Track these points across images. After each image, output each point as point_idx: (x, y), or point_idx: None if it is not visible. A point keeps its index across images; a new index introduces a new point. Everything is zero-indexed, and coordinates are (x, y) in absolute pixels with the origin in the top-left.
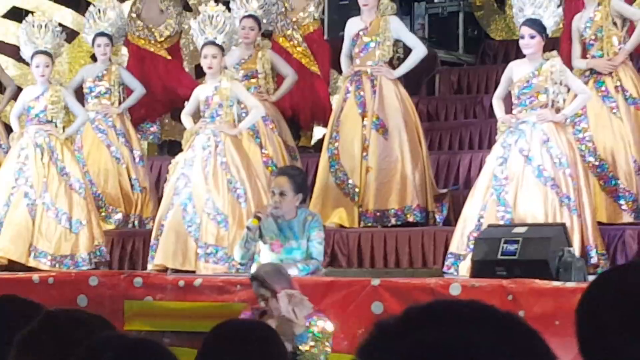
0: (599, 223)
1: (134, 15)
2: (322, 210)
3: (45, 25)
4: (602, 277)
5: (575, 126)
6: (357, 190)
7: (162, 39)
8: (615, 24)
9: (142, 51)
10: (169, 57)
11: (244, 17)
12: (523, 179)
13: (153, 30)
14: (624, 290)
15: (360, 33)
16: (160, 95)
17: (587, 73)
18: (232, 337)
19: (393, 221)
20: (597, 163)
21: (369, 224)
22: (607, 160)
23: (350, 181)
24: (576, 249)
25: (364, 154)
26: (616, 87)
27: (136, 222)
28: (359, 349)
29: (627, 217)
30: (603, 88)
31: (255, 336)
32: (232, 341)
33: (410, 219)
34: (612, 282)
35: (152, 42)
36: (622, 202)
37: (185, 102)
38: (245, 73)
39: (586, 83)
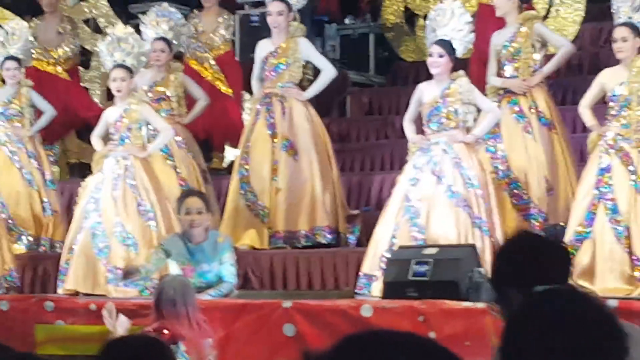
0: None
1: (31, 37)
2: (233, 232)
3: None
4: (525, 305)
5: (488, 143)
6: (266, 211)
7: (61, 60)
8: (533, 46)
9: (39, 72)
10: (68, 79)
11: (155, 39)
12: (435, 200)
13: (50, 51)
14: (547, 317)
15: (270, 55)
16: (60, 116)
17: (501, 92)
18: (123, 353)
19: (303, 242)
20: (509, 181)
21: (279, 245)
22: (520, 178)
23: (260, 202)
24: (488, 269)
25: (274, 175)
26: (530, 107)
27: (47, 246)
28: None
29: None
30: (517, 107)
31: (147, 352)
32: (122, 357)
33: (321, 239)
34: (532, 312)
35: (49, 63)
36: (533, 220)
37: (91, 124)
38: (158, 96)
39: (499, 102)
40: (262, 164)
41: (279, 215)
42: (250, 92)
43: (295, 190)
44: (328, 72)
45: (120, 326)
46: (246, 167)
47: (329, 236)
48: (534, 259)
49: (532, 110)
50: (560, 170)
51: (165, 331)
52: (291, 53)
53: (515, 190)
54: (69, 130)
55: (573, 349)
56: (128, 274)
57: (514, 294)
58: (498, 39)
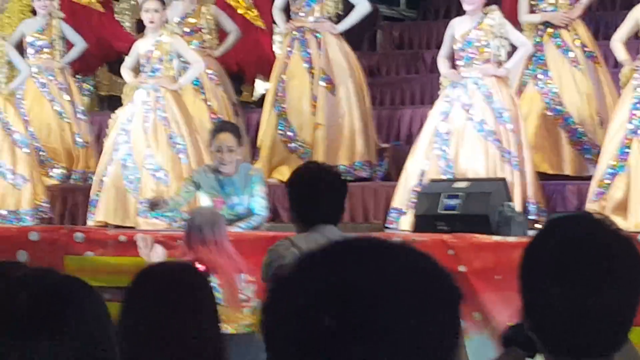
0: (566, 176)
1: None
2: (268, 166)
3: None
4: (542, 231)
5: (538, 80)
6: (306, 146)
7: None
8: None
9: (74, 4)
10: (102, 10)
11: None
12: (465, 134)
13: None
14: (562, 242)
15: None
16: (94, 48)
17: (541, 27)
18: (157, 281)
19: (343, 177)
20: (563, 116)
21: None
22: (572, 113)
23: (299, 138)
24: (517, 204)
25: (313, 110)
26: (574, 40)
27: (79, 178)
28: (265, 296)
29: (593, 170)
30: (560, 41)
31: (181, 280)
32: (156, 286)
33: (361, 174)
34: (552, 235)
35: None
36: (587, 155)
37: (124, 56)
38: (189, 28)
39: (541, 37)
40: (301, 99)
41: (319, 150)
42: None
43: (334, 125)
44: (363, 7)
45: (156, 256)
46: (283, 101)
47: (368, 170)
48: (309, 197)
49: (577, 43)
50: (608, 102)
51: (198, 265)
52: None
53: (569, 126)
54: (104, 62)
55: (591, 272)
56: (154, 205)
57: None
58: None
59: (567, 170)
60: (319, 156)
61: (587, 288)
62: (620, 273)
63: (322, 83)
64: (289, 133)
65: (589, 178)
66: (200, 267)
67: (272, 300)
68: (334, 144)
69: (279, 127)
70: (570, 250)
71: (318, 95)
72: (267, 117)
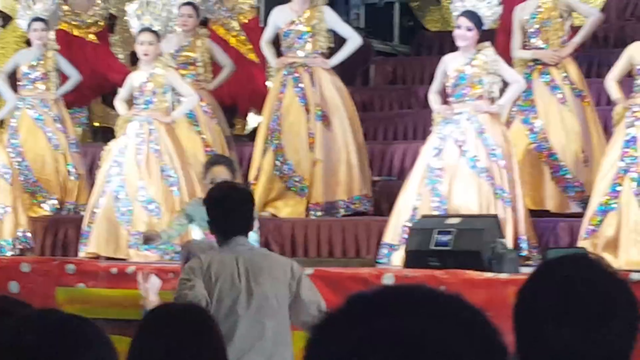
0: (547, 212)
1: (60, 0)
2: (265, 202)
3: None
4: (539, 270)
5: (525, 116)
6: (304, 183)
7: (91, 23)
8: (561, 16)
9: (69, 36)
10: (97, 42)
11: (183, 4)
12: (458, 170)
13: (80, 15)
14: (559, 282)
15: (293, 24)
16: (89, 80)
17: (531, 63)
18: (169, 321)
19: (342, 212)
20: (547, 153)
21: (320, 217)
22: (557, 150)
23: (296, 174)
24: (509, 241)
25: (310, 146)
26: (563, 78)
27: (71, 209)
28: (307, 343)
29: (575, 208)
30: (549, 78)
31: (192, 320)
32: (168, 325)
33: (360, 208)
34: (549, 275)
35: (80, 27)
36: (570, 192)
37: (118, 88)
38: (184, 61)
39: (530, 73)
40: (298, 135)
41: (317, 186)
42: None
43: (331, 160)
44: (354, 41)
45: (152, 287)
46: (279, 138)
47: (367, 204)
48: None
49: (566, 81)
50: (594, 141)
51: None
52: (317, 22)
53: (553, 162)
54: (98, 94)
55: (588, 314)
56: (148, 239)
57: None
58: (522, 12)
59: (549, 206)
60: (318, 191)
61: (583, 330)
62: (616, 315)
63: (318, 119)
64: (285, 169)
65: (581, 215)
66: None
67: (316, 345)
68: (332, 179)
69: (276, 164)
70: (567, 292)
71: (315, 131)
72: (262, 152)
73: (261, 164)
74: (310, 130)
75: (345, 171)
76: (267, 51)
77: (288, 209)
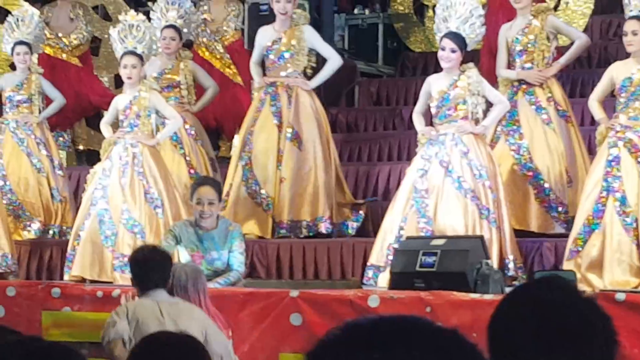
0: (531, 233)
1: (42, 23)
2: (234, 220)
3: None
4: (514, 293)
5: (509, 136)
6: (269, 200)
7: (73, 46)
8: (548, 38)
9: (52, 59)
10: (80, 65)
11: (165, 27)
12: (443, 191)
13: (63, 38)
14: (534, 306)
15: (275, 43)
16: (72, 103)
17: (516, 83)
18: (161, 349)
19: (305, 232)
20: (532, 173)
21: (283, 235)
22: (542, 170)
23: (263, 191)
24: (494, 261)
25: (278, 164)
26: (548, 98)
27: (56, 232)
28: None
29: (559, 228)
30: (534, 99)
31: (184, 348)
32: (160, 354)
33: (322, 229)
34: (524, 298)
35: (63, 50)
36: (553, 213)
37: (103, 112)
38: (167, 83)
39: (515, 93)
40: (267, 152)
41: (283, 204)
42: None
43: (299, 180)
44: (334, 61)
45: None
46: (249, 154)
47: (329, 226)
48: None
49: (550, 102)
50: (578, 161)
51: None
52: (296, 41)
53: (537, 183)
54: (81, 117)
55: (557, 333)
56: None
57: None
58: (508, 32)
59: (533, 226)
60: (283, 210)
61: (568, 354)
62: (595, 335)
63: (289, 138)
64: (253, 186)
65: (566, 235)
66: None
67: None
68: (298, 199)
69: (243, 179)
70: (541, 316)
71: (284, 149)
72: (234, 169)
73: (232, 180)
74: (280, 148)
75: (311, 192)
76: (254, 71)
77: (255, 225)
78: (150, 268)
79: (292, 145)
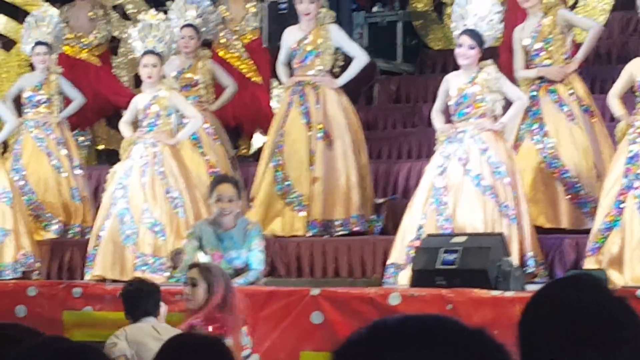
0: (562, 230)
1: (61, 23)
2: (264, 219)
3: None
4: (541, 292)
5: (534, 134)
6: (302, 199)
7: (92, 46)
8: (562, 32)
9: (72, 59)
10: (100, 64)
11: (184, 26)
12: (462, 189)
13: (82, 37)
14: (561, 304)
15: (301, 43)
16: (92, 103)
17: (537, 81)
18: (186, 352)
19: (339, 231)
20: (560, 170)
21: (317, 234)
22: (570, 167)
23: (295, 191)
24: (515, 258)
25: (310, 164)
26: (570, 94)
27: (77, 232)
28: None
29: (591, 223)
30: (556, 96)
31: (209, 351)
32: (185, 356)
33: (356, 228)
34: (551, 297)
35: (82, 49)
36: (585, 208)
37: (122, 111)
38: (186, 83)
39: (537, 91)
40: (298, 152)
41: (316, 203)
42: (278, 79)
43: (331, 179)
44: (360, 59)
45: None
46: (281, 155)
47: (364, 224)
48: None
49: (572, 98)
50: (605, 155)
51: (211, 328)
52: (322, 40)
53: (566, 179)
54: (101, 116)
55: (587, 334)
56: (176, 266)
57: None
58: (522, 33)
59: (564, 223)
60: (316, 209)
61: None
62: (628, 339)
63: (320, 137)
64: (285, 186)
65: (587, 231)
66: (210, 329)
67: None
68: (331, 198)
69: (276, 180)
70: (568, 314)
71: (315, 149)
72: (263, 170)
73: (262, 181)
74: (312, 148)
75: (344, 190)
76: (281, 71)
77: (285, 224)
78: (141, 298)
79: (323, 144)
